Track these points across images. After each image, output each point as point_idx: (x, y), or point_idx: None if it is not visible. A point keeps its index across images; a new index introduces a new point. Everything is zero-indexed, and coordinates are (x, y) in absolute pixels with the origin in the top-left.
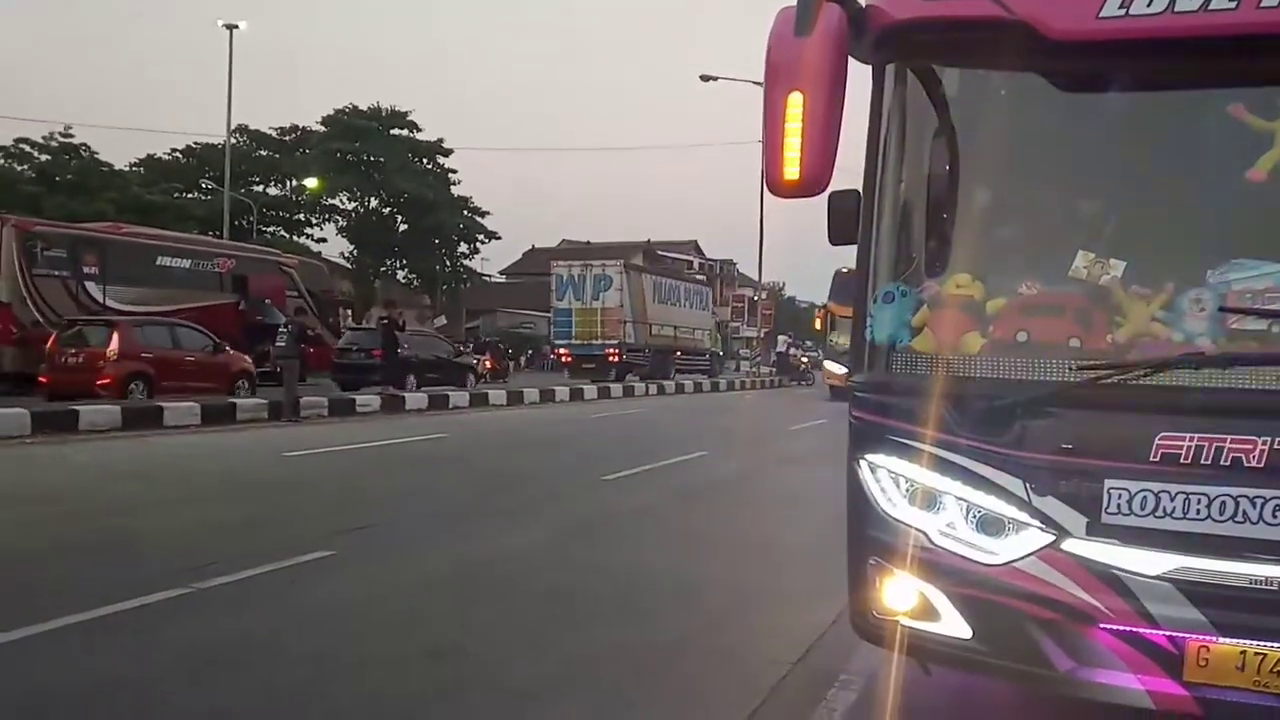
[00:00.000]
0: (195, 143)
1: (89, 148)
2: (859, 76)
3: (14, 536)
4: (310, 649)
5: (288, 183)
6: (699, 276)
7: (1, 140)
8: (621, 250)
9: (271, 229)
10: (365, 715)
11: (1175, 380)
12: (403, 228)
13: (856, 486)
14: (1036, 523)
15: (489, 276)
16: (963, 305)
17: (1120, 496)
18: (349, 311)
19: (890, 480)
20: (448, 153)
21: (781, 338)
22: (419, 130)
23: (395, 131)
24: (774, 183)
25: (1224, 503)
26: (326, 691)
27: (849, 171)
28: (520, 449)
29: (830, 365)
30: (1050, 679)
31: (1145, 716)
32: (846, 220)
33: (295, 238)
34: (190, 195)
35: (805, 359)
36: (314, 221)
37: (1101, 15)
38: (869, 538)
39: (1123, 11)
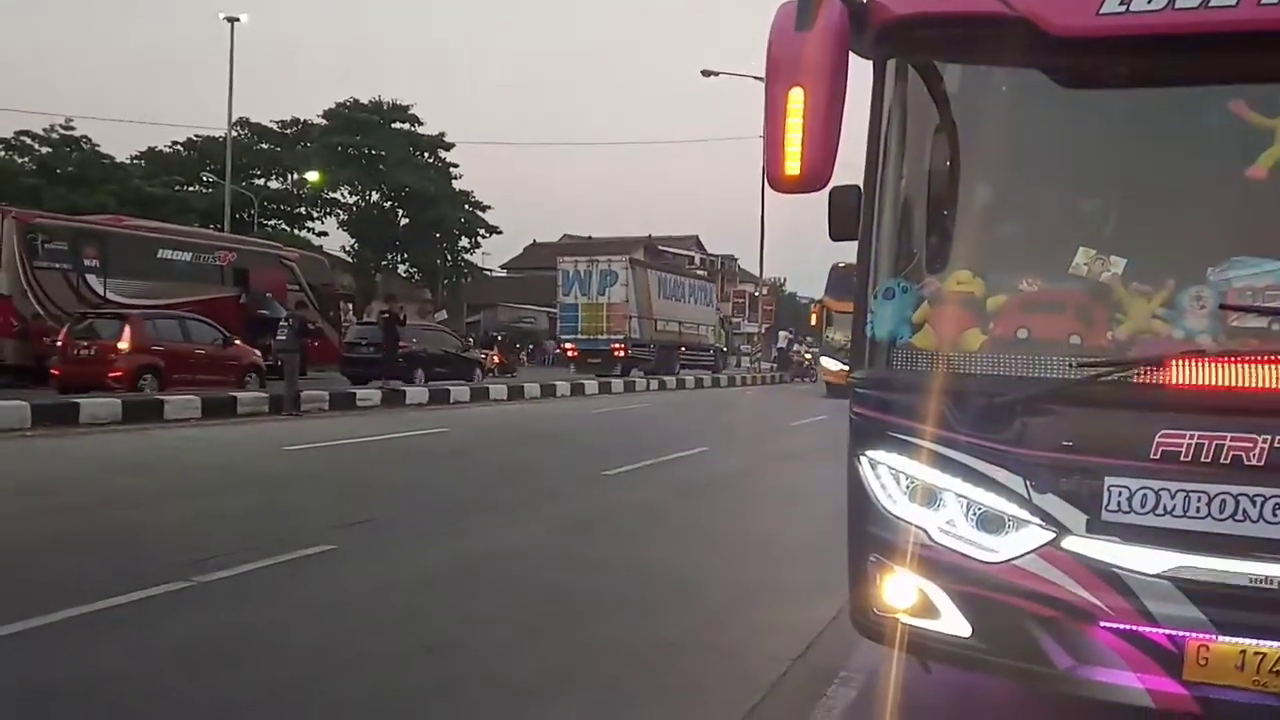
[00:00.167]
0: (196, 136)
1: (90, 140)
2: (860, 72)
3: (14, 529)
4: (310, 643)
5: (289, 176)
6: (700, 272)
7: (2, 132)
8: (623, 245)
9: (272, 222)
10: (365, 710)
11: (1176, 378)
12: (404, 222)
13: (857, 483)
14: (1036, 520)
15: (490, 271)
16: (963, 302)
17: (1120, 494)
18: (350, 305)
19: (891, 477)
20: (449, 147)
21: (782, 333)
22: (420, 124)
23: (397, 125)
24: (775, 178)
25: (1224, 501)
26: (326, 687)
27: (850, 167)
28: (521, 444)
29: (826, 361)
30: (1050, 677)
31: (1145, 715)
32: (847, 216)
33: (296, 231)
34: (191, 188)
35: (808, 355)
36: (315, 215)
37: (1102, 12)
38: (869, 535)
39: (1123, 8)
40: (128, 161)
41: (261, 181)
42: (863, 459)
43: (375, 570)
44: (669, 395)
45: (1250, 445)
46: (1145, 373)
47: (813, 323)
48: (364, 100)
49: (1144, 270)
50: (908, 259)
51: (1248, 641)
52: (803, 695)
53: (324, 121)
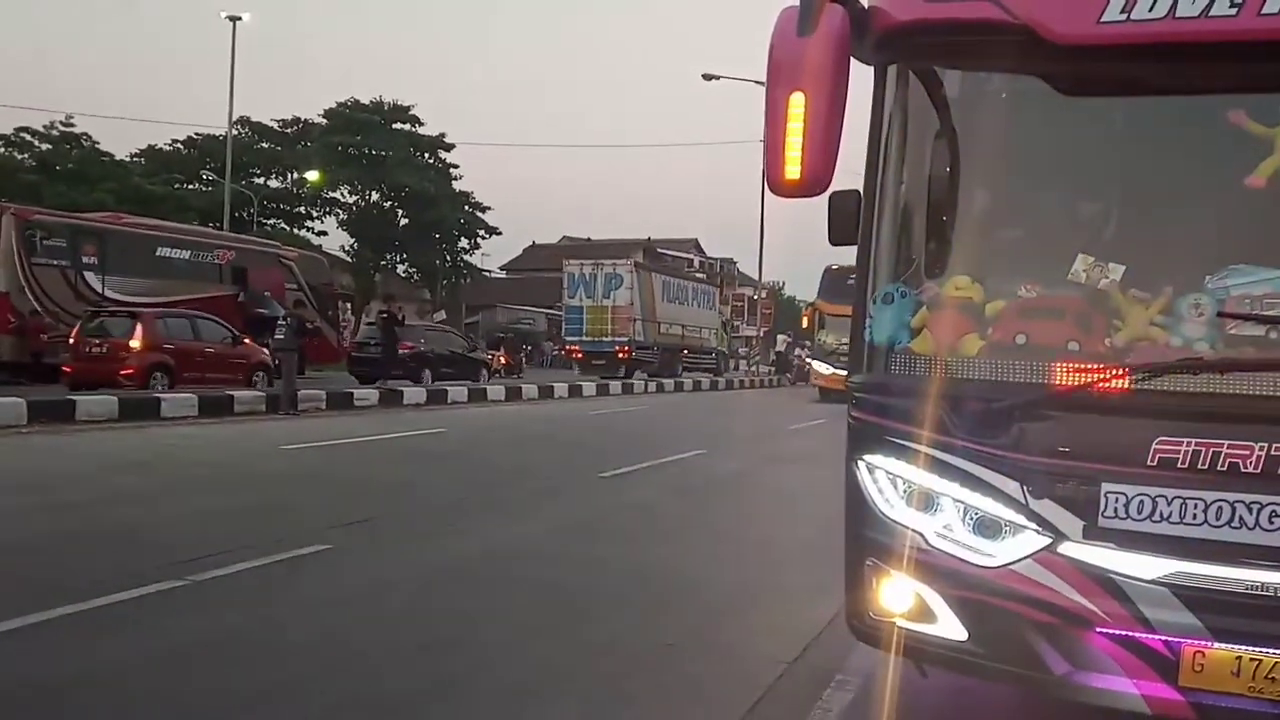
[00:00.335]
0: (196, 134)
1: (90, 137)
2: (861, 77)
3: (11, 526)
4: (307, 642)
5: (289, 175)
6: (700, 275)
7: (2, 129)
8: (622, 247)
9: (272, 221)
10: (363, 710)
11: (1173, 385)
12: (403, 222)
13: (854, 487)
14: (1033, 525)
15: (489, 272)
16: (962, 307)
17: (1117, 500)
18: (348, 305)
19: (888, 481)
20: (449, 147)
21: (781, 337)
22: (421, 125)
23: (397, 125)
24: (775, 182)
25: (1220, 508)
26: (324, 686)
27: (850, 172)
28: (519, 445)
29: (818, 365)
30: (1046, 682)
31: None
32: (847, 221)
33: (296, 230)
34: (191, 186)
35: (809, 360)
36: (314, 214)
37: (1103, 20)
38: (866, 538)
39: (1124, 16)
40: (127, 159)
41: (261, 180)
42: (860, 463)
43: (373, 570)
44: (666, 397)
45: (1247, 452)
46: (1143, 379)
47: (804, 325)
48: (365, 100)
49: (1142, 277)
50: (907, 264)
51: (1244, 648)
52: (800, 697)
53: (324, 121)
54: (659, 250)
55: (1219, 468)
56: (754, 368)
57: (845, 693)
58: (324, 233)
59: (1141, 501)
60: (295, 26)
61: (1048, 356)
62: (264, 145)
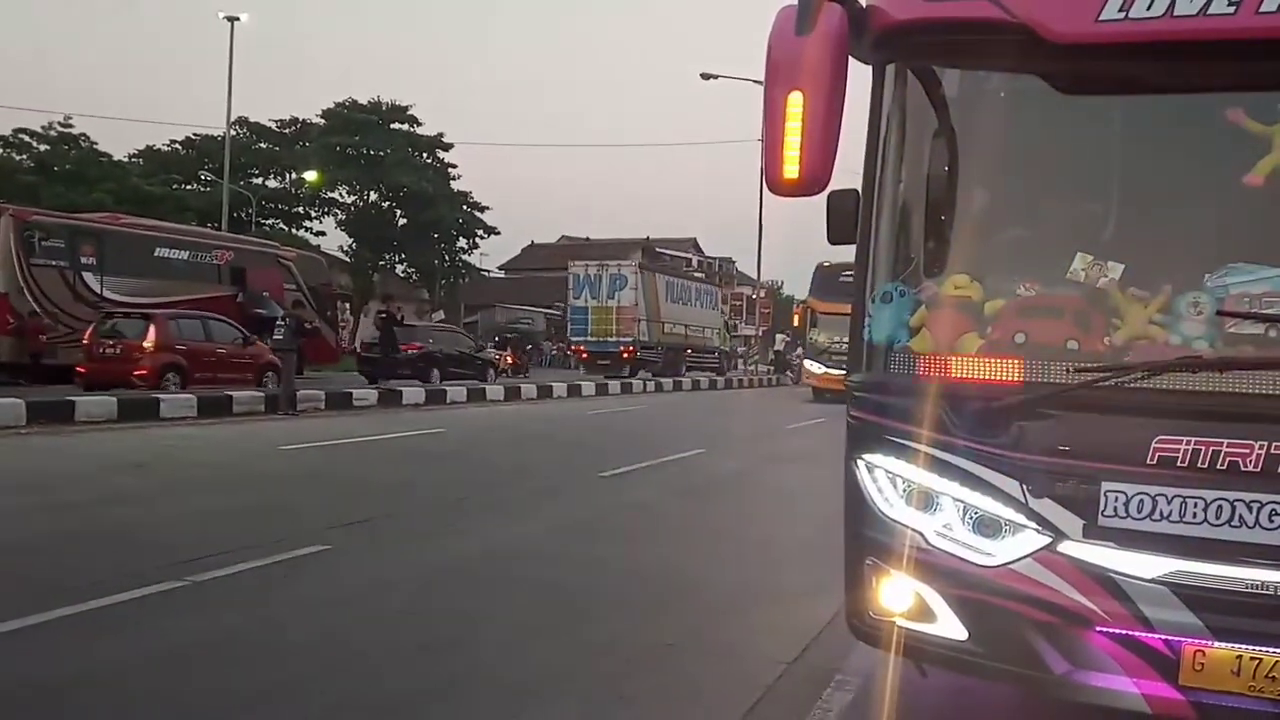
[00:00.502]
0: (195, 134)
1: (88, 138)
2: (859, 76)
3: (11, 526)
4: (307, 643)
5: (287, 175)
6: (698, 274)
7: (0, 130)
8: (621, 247)
9: (270, 222)
10: (363, 710)
11: (1172, 383)
12: (402, 222)
13: (853, 486)
14: (1033, 525)
15: (488, 272)
16: (961, 306)
17: (1117, 499)
18: (347, 305)
19: (887, 480)
20: (447, 147)
21: (779, 336)
22: (419, 125)
23: (395, 126)
24: (774, 181)
25: (1220, 507)
26: (324, 686)
27: (849, 171)
28: (518, 445)
29: (810, 364)
30: (1046, 682)
31: None
32: (846, 220)
33: (294, 231)
34: (189, 187)
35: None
36: (313, 215)
37: (1101, 18)
38: (865, 538)
39: (1122, 15)
40: (126, 160)
41: (260, 181)
42: (859, 462)
43: (373, 570)
44: (665, 397)
45: (1247, 451)
46: (1142, 378)
47: (795, 324)
48: (363, 100)
49: (1141, 276)
50: (905, 263)
51: (1244, 647)
52: (800, 698)
53: (322, 121)
54: (658, 250)
55: (1219, 466)
56: (753, 367)
57: (845, 693)
58: (322, 233)
59: (1141, 500)
60: (293, 27)
61: (1047, 355)
62: (262, 145)
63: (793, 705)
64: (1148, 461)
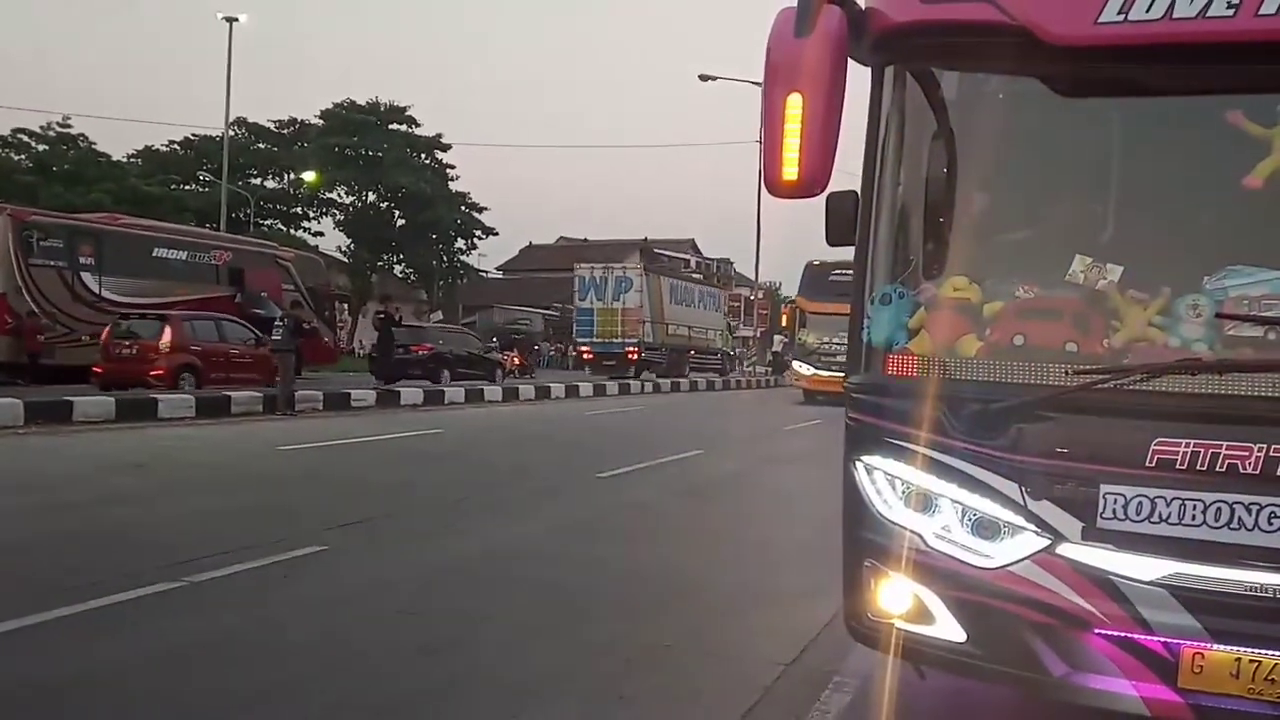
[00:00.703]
0: (193, 135)
1: (87, 138)
2: (858, 78)
3: (9, 526)
4: (306, 643)
5: (285, 176)
6: (696, 275)
7: None
8: (619, 248)
9: (269, 222)
10: (363, 710)
11: (1171, 386)
12: (400, 222)
13: (852, 488)
14: (1032, 527)
15: (486, 273)
16: (960, 308)
17: (1116, 501)
18: (345, 306)
19: (886, 482)
20: (446, 148)
21: (777, 337)
22: (417, 125)
23: (393, 126)
24: (773, 183)
25: (1220, 509)
26: (324, 686)
27: (848, 173)
28: (516, 445)
29: (799, 366)
30: (1044, 684)
31: None
32: (844, 221)
33: (292, 231)
34: (188, 187)
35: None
36: (311, 215)
37: (1100, 21)
38: (864, 540)
39: (1121, 17)
40: (124, 160)
41: (258, 181)
42: (858, 464)
43: (372, 570)
44: (663, 398)
45: (1246, 454)
46: (1141, 380)
47: (783, 323)
48: (361, 101)
49: (1140, 278)
50: (904, 265)
51: (1243, 649)
52: (798, 699)
53: (321, 122)
54: (656, 251)
55: (1218, 469)
56: (751, 368)
57: (843, 694)
58: (320, 233)
59: (1140, 502)
60: (292, 27)
61: (1046, 357)
62: (261, 146)
63: (791, 707)
64: (1147, 464)
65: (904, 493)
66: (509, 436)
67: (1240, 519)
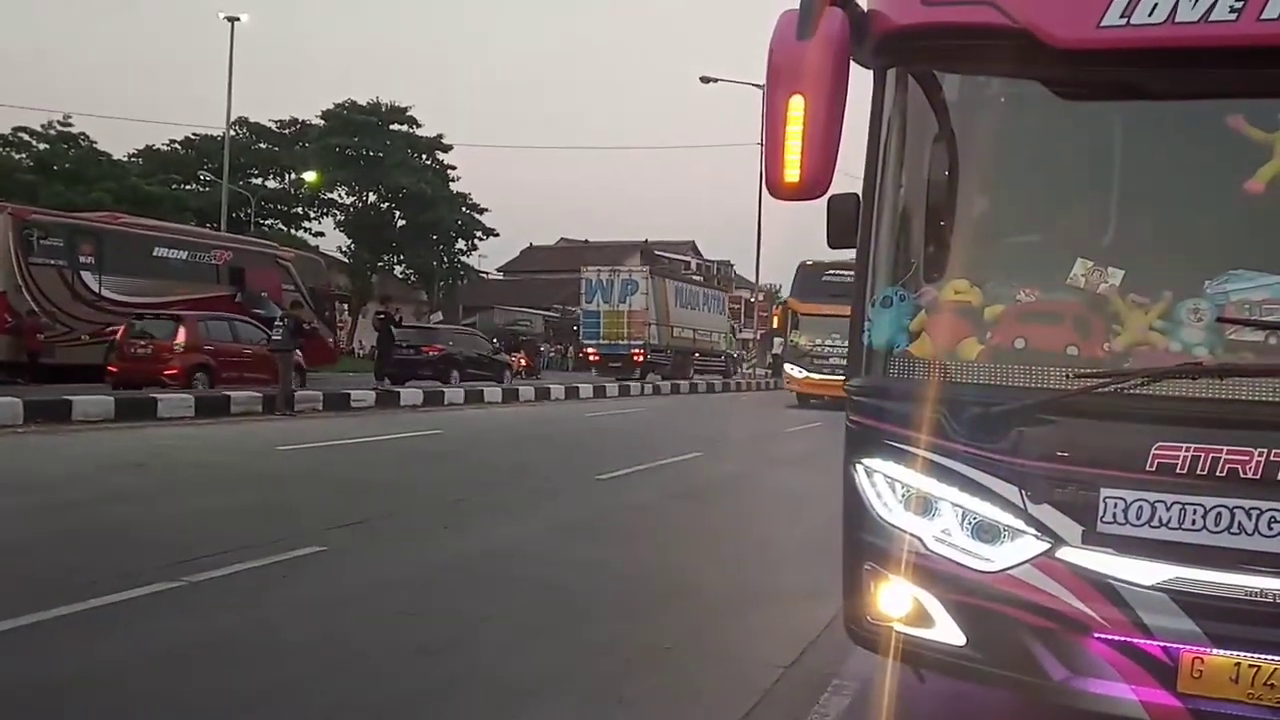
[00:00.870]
0: (194, 134)
1: (87, 137)
2: (860, 81)
3: (8, 525)
4: (306, 643)
5: (286, 176)
6: (696, 277)
7: (0, 128)
8: (619, 249)
9: (269, 222)
10: (362, 710)
11: (1172, 390)
12: (400, 223)
13: (852, 491)
14: (1032, 530)
15: (486, 274)
16: (961, 311)
17: (1116, 506)
18: (345, 306)
19: (886, 485)
20: (447, 149)
21: (777, 340)
22: (418, 126)
23: (394, 127)
24: (774, 185)
25: (1220, 514)
26: (324, 686)
27: (849, 175)
28: (515, 446)
29: (790, 369)
30: (1044, 688)
31: None
32: (846, 224)
33: (293, 231)
34: (188, 187)
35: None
36: (312, 215)
37: (1102, 24)
38: (864, 543)
39: (1124, 21)
40: (125, 159)
41: (259, 181)
42: (859, 467)
43: (372, 570)
44: (663, 400)
45: (1246, 458)
46: (1142, 384)
47: (775, 325)
48: (362, 101)
49: (1141, 282)
50: (906, 267)
51: (1242, 654)
52: (797, 702)
53: (322, 122)
54: (656, 252)
55: (1218, 473)
56: (751, 370)
57: (842, 697)
58: (321, 233)
59: (1141, 507)
60: (293, 27)
61: (1047, 361)
62: (261, 146)
63: (790, 709)
64: (1147, 468)
65: (904, 496)
66: (509, 437)
67: (1241, 524)
